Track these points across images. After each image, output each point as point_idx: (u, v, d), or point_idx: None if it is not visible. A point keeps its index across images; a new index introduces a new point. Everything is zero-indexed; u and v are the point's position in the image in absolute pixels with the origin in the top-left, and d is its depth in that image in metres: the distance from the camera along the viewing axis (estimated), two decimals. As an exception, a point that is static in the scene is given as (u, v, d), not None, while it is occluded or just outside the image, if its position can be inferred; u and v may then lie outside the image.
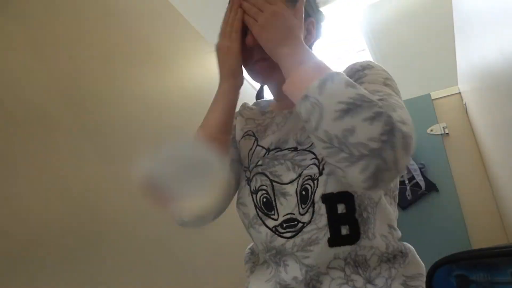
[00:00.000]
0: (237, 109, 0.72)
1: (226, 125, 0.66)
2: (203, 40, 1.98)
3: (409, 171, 2.62)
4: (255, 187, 0.65)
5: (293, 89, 0.53)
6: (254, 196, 0.65)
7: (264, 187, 0.64)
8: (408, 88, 2.49)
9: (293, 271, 0.59)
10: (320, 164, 0.60)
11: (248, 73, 0.70)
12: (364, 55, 2.89)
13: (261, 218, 0.63)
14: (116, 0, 1.36)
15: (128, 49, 1.34)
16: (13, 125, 0.84)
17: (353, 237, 0.57)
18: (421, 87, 2.88)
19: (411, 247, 0.64)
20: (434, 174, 2.64)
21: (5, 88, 0.85)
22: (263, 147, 0.68)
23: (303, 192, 0.60)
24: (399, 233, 0.64)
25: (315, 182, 0.59)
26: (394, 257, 0.60)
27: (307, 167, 0.61)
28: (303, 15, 0.63)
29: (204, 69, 1.90)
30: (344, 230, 0.57)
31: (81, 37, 1.13)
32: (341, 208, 0.57)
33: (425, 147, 2.67)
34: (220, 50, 0.65)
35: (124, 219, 1.06)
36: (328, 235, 0.57)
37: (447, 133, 2.74)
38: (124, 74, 1.28)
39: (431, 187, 2.60)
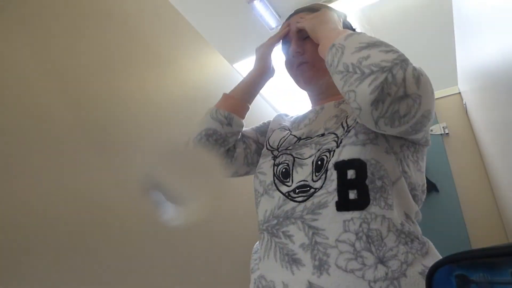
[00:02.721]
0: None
1: (244, 92, 0.82)
2: (203, 40, 1.98)
3: (409, 171, 2.62)
4: (279, 162, 0.71)
5: (326, 48, 0.59)
6: (276, 167, 0.70)
7: (287, 161, 0.69)
8: (408, 88, 2.48)
9: (299, 239, 0.58)
10: (339, 140, 0.63)
11: (294, 80, 0.82)
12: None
13: (276, 185, 0.67)
14: (116, 0, 1.36)
15: (128, 49, 1.34)
16: (13, 125, 0.84)
17: (361, 202, 0.56)
18: (421, 87, 2.87)
19: (430, 241, 0.60)
20: (434, 174, 2.63)
21: (5, 88, 0.85)
22: (295, 136, 0.75)
23: (319, 162, 0.63)
24: (418, 228, 0.62)
25: (332, 153, 0.62)
26: (411, 241, 0.56)
27: (327, 143, 0.65)
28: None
29: (204, 69, 1.90)
30: (352, 195, 0.57)
31: (81, 37, 1.13)
32: (350, 174, 0.58)
33: (425, 147, 2.68)
34: (260, 45, 0.84)
35: (124, 218, 1.06)
36: (336, 198, 0.58)
37: (447, 133, 2.74)
38: (124, 74, 1.28)
39: (431, 187, 2.60)
